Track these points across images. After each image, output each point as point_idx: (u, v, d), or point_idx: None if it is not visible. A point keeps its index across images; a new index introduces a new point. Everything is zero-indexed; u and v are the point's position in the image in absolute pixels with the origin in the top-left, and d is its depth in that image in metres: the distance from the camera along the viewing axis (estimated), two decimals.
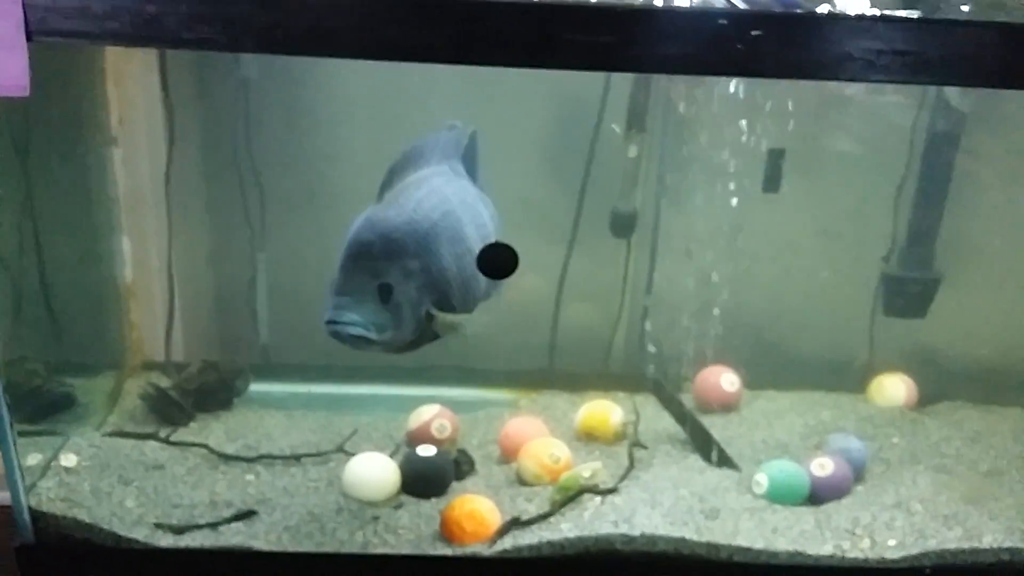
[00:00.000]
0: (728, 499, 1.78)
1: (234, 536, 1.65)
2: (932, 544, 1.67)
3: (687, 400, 2.08)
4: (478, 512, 1.68)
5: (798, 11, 1.39)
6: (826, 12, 1.40)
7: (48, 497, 1.69)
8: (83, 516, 1.65)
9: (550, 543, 1.64)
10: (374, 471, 1.79)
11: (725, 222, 2.04)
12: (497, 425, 2.03)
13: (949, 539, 1.69)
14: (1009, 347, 2.23)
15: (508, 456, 1.93)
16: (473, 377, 2.24)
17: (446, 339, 1.55)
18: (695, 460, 1.93)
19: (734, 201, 2.02)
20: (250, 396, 2.12)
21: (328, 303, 1.42)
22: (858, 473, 1.87)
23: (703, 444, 1.95)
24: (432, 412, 1.98)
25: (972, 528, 1.71)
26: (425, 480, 1.80)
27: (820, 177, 2.12)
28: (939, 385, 2.19)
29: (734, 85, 1.95)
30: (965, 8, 1.52)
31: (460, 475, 1.86)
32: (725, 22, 1.31)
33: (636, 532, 1.65)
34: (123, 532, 1.63)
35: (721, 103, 1.98)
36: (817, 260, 2.17)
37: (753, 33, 1.32)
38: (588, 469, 1.79)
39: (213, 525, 1.67)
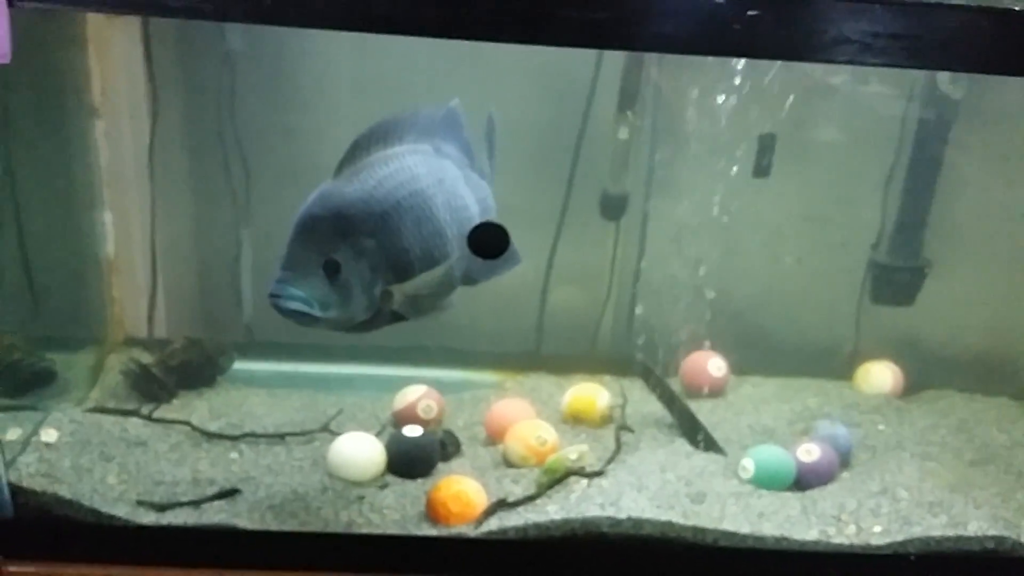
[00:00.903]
0: (714, 483, 1.77)
1: (217, 514, 1.63)
2: (917, 531, 1.67)
3: (674, 384, 2.07)
4: (464, 493, 1.66)
5: None
6: None
7: (28, 472, 1.66)
8: (64, 492, 1.62)
9: (536, 525, 1.63)
10: (359, 451, 1.77)
11: (714, 207, 2.03)
12: (483, 407, 2.02)
13: (934, 526, 1.68)
14: (996, 336, 2.24)
15: (494, 438, 1.92)
16: (460, 358, 2.23)
17: (416, 321, 1.53)
18: (682, 444, 1.93)
19: (724, 186, 2.01)
20: (234, 374, 2.10)
21: (274, 276, 1.40)
22: (844, 460, 1.87)
23: (690, 428, 1.95)
24: (418, 393, 1.97)
25: (957, 515, 1.71)
26: (411, 460, 1.79)
27: (810, 164, 2.11)
28: (925, 373, 2.20)
29: (727, 70, 1.95)
30: None
31: (446, 456, 1.85)
32: (722, 1, 1.30)
33: (622, 515, 1.64)
34: (104, 509, 1.61)
35: (713, 87, 1.97)
36: (806, 247, 2.17)
37: (750, 13, 1.30)
38: (575, 452, 1.78)
39: (196, 503, 1.65)
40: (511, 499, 1.69)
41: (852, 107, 2.08)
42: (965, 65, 1.54)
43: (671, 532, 1.64)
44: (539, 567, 1.64)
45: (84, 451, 1.75)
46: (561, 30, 1.30)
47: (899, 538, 1.66)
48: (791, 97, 1.98)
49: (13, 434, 1.73)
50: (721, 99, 1.96)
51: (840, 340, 2.22)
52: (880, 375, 2.17)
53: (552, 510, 1.66)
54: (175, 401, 1.98)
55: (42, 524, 1.61)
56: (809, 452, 1.82)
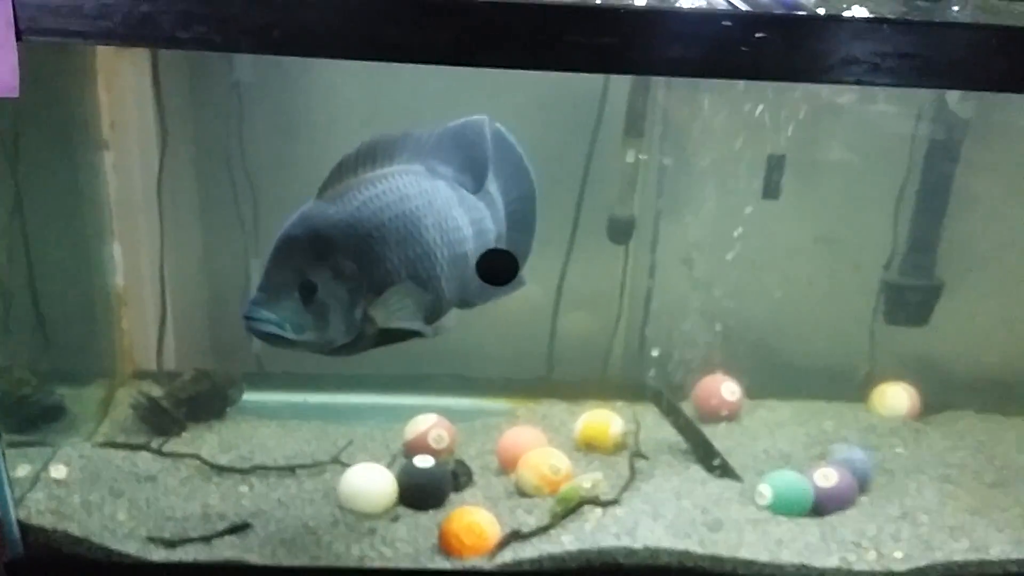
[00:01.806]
0: (731, 510, 1.75)
1: (228, 549, 1.62)
2: (939, 556, 1.65)
3: (687, 409, 2.06)
4: (477, 525, 1.65)
5: (802, 13, 1.37)
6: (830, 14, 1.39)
7: (37, 510, 1.65)
8: (73, 529, 1.61)
9: (551, 556, 1.61)
10: (370, 482, 1.76)
11: (725, 229, 2.02)
12: (495, 435, 2.00)
13: (956, 551, 1.66)
14: (1012, 356, 2.21)
15: (506, 467, 1.90)
16: (471, 386, 2.22)
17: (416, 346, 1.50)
18: (697, 470, 1.91)
19: (734, 208, 2.00)
20: (244, 406, 2.09)
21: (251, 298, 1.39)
22: (862, 484, 1.85)
23: (704, 454, 1.93)
24: (429, 422, 1.95)
25: (979, 540, 1.69)
26: (422, 491, 1.77)
27: (821, 184, 2.10)
28: (942, 394, 2.17)
29: (735, 91, 1.94)
30: (955, 8, 1.51)
31: (458, 486, 1.83)
32: (729, 24, 1.29)
33: (638, 545, 1.63)
34: (114, 546, 1.60)
35: (722, 109, 1.97)
36: (818, 268, 2.15)
37: (757, 35, 1.30)
38: (588, 480, 1.76)
39: (206, 538, 1.63)
40: (525, 530, 1.67)
41: (862, 127, 2.07)
42: (974, 84, 1.52)
43: (688, 561, 1.62)
44: None
45: (94, 487, 1.74)
46: (568, 55, 1.30)
47: (921, 563, 1.64)
48: (800, 117, 1.97)
49: (23, 470, 1.72)
50: (730, 121, 1.96)
51: (855, 362, 2.20)
52: (896, 397, 2.14)
53: (567, 540, 1.64)
54: (185, 434, 1.97)
55: (52, 562, 1.60)
56: (827, 477, 1.79)
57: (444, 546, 1.64)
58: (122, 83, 1.99)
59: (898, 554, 1.66)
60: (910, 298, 2.12)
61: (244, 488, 1.80)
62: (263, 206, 2.10)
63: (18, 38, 1.21)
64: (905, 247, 2.13)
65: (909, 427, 2.10)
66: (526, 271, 1.61)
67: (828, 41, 1.32)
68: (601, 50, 1.29)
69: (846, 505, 1.79)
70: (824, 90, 1.98)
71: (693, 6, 1.39)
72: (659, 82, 2.06)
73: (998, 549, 1.66)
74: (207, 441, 1.95)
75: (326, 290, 1.38)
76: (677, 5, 1.40)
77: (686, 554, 1.62)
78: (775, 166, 2.00)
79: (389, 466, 1.84)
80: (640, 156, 2.11)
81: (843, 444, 1.95)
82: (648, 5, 1.38)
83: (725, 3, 1.37)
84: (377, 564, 1.62)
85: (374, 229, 1.41)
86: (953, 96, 2.01)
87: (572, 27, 1.28)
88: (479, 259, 1.51)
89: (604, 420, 2.00)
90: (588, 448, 1.98)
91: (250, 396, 2.10)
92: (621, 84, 2.05)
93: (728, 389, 2.10)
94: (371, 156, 1.45)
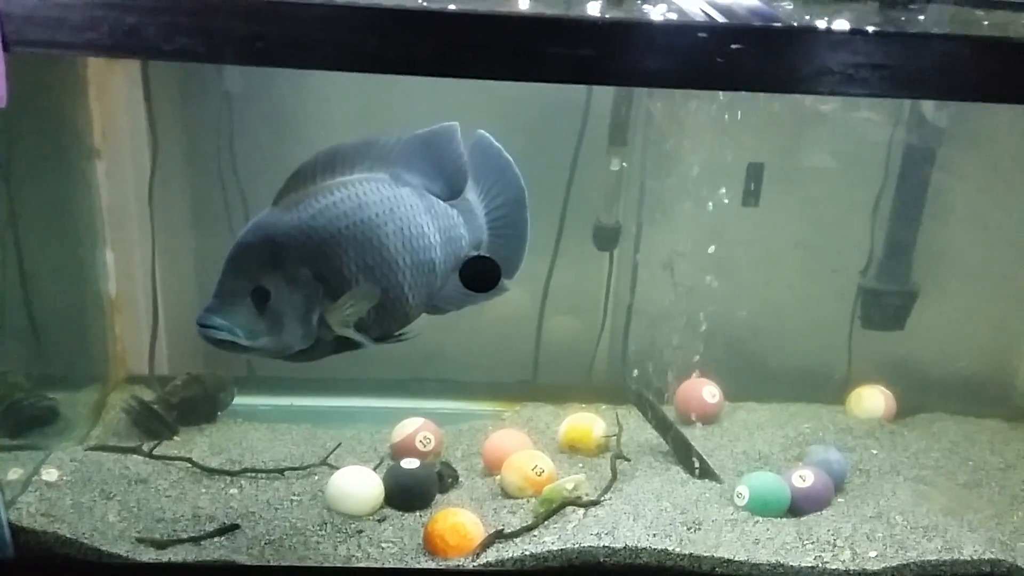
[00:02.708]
0: (710, 511, 1.79)
1: (217, 550, 1.64)
2: (912, 556, 1.68)
3: (669, 412, 2.09)
4: (461, 525, 1.67)
5: (777, 25, 1.40)
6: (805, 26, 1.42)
7: (29, 512, 1.68)
8: (64, 531, 1.64)
9: (533, 556, 1.64)
10: (357, 485, 1.79)
11: (706, 236, 2.06)
12: (481, 438, 2.03)
13: (929, 551, 1.69)
14: (986, 358, 2.25)
15: (492, 469, 1.93)
16: (458, 390, 2.25)
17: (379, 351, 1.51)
18: (677, 472, 1.94)
19: (714, 215, 2.03)
20: (234, 409, 2.12)
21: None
22: (838, 485, 1.88)
23: (685, 456, 1.96)
24: (416, 425, 1.99)
25: (952, 540, 1.72)
26: (408, 493, 1.80)
27: (799, 191, 2.14)
28: (917, 397, 2.21)
29: (715, 100, 1.98)
30: (921, 18, 1.54)
31: (444, 488, 1.87)
32: (705, 36, 1.32)
33: (619, 544, 1.65)
34: (105, 547, 1.62)
35: (701, 118, 2.01)
36: (797, 273, 2.19)
37: (733, 47, 1.33)
38: (571, 481, 1.79)
39: (196, 539, 1.66)
40: (508, 530, 1.70)
41: (839, 135, 2.11)
42: (946, 93, 1.56)
43: (667, 561, 1.65)
44: None
45: (85, 489, 1.77)
46: (549, 67, 1.33)
47: (895, 563, 1.67)
48: (779, 126, 2.01)
49: (14, 474, 1.75)
50: (709, 129, 1.99)
51: (832, 365, 2.24)
52: (872, 399, 2.18)
53: (549, 540, 1.67)
54: (176, 438, 2.00)
55: (43, 564, 1.62)
56: (803, 478, 1.83)
57: (429, 546, 1.67)
58: (114, 93, 2.02)
59: (872, 553, 1.68)
60: (886, 303, 2.16)
61: (234, 490, 1.83)
62: (253, 213, 2.11)
63: (5, 49, 1.23)
64: (882, 253, 2.17)
65: (885, 429, 2.13)
66: (518, 277, 1.64)
67: (802, 52, 1.35)
68: (580, 61, 1.32)
69: (822, 505, 1.82)
70: (803, 98, 2.02)
71: (670, 18, 1.42)
72: (642, 91, 2.10)
73: (971, 549, 1.69)
74: (198, 444, 1.98)
75: (280, 297, 1.40)
76: (654, 17, 1.43)
77: (665, 553, 1.65)
78: (754, 174, 2.04)
79: (377, 468, 1.87)
80: (623, 164, 2.14)
81: (820, 446, 1.98)
82: (626, 17, 1.41)
83: (702, 14, 1.40)
84: (363, 564, 1.64)
85: (330, 236, 1.42)
86: (928, 104, 2.04)
87: (551, 39, 1.30)
88: (462, 266, 1.53)
89: (587, 423, 2.04)
90: (572, 450, 2.02)
91: (241, 400, 2.14)
92: (605, 94, 2.09)
93: (709, 392, 2.14)
94: (330, 164, 1.45)
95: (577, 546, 1.65)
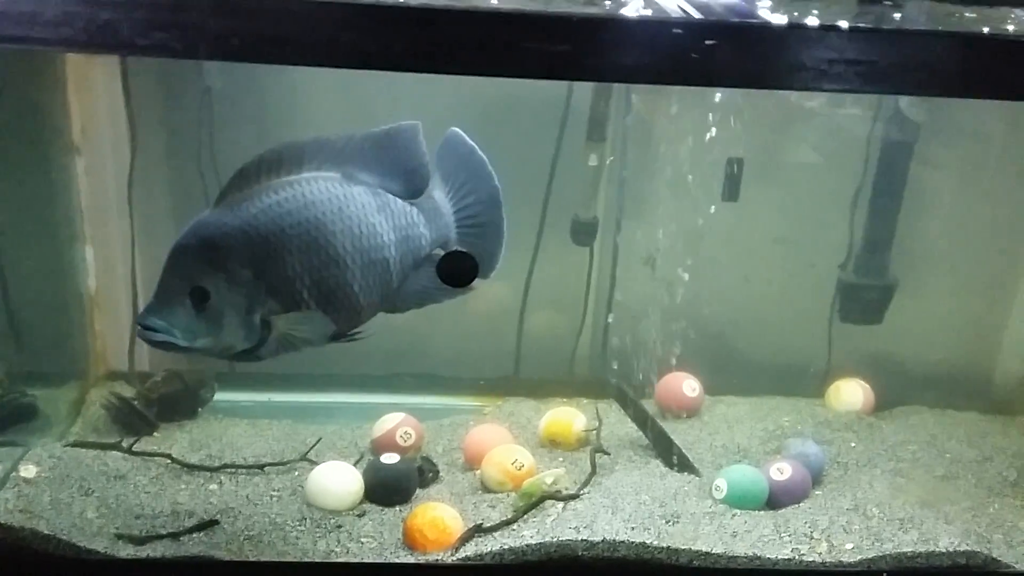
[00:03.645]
0: (688, 504, 1.79)
1: (196, 546, 1.64)
2: (889, 548, 1.69)
3: (649, 406, 2.10)
4: (440, 520, 1.68)
5: (752, 21, 1.41)
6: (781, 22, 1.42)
7: (7, 508, 1.67)
8: (42, 527, 1.63)
9: (512, 550, 1.64)
10: (337, 480, 1.79)
11: (685, 230, 2.06)
12: (463, 432, 2.04)
13: (905, 543, 1.70)
14: (964, 351, 2.27)
15: (472, 463, 1.94)
16: (440, 385, 2.26)
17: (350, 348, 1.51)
18: (657, 465, 1.95)
19: (694, 209, 2.04)
20: (215, 405, 2.12)
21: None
22: (816, 477, 1.90)
23: (665, 449, 1.97)
24: (396, 420, 1.99)
25: (928, 532, 1.73)
26: (388, 488, 1.80)
27: (778, 186, 2.15)
28: (896, 390, 2.23)
29: (695, 94, 1.98)
30: (897, 16, 1.55)
31: (425, 483, 1.87)
32: (680, 31, 1.33)
33: (597, 538, 1.66)
34: (83, 543, 1.62)
35: (681, 112, 2.01)
36: (776, 268, 2.20)
37: (707, 42, 1.33)
38: (550, 476, 1.80)
39: (175, 535, 1.66)
40: (487, 524, 1.70)
41: (819, 130, 2.12)
42: (922, 89, 1.55)
43: (645, 554, 1.66)
44: None
45: (64, 486, 1.76)
46: (524, 62, 1.33)
47: (871, 555, 1.68)
48: (759, 120, 2.02)
49: None
50: (689, 124, 2.00)
51: (812, 359, 2.25)
52: (851, 393, 2.20)
53: (528, 534, 1.68)
54: (157, 434, 2.00)
55: (20, 560, 1.62)
56: (781, 471, 1.84)
57: (408, 541, 1.67)
58: (92, 88, 2.01)
59: (849, 545, 1.70)
60: (865, 297, 2.17)
61: (213, 486, 1.83)
62: None
63: None
64: (860, 247, 2.18)
65: (863, 422, 2.15)
66: (499, 274, 1.63)
67: (777, 48, 1.35)
68: (555, 57, 1.32)
69: (800, 498, 1.83)
70: (782, 94, 2.03)
71: (645, 14, 1.43)
72: (621, 87, 2.10)
73: (947, 541, 1.70)
74: (178, 440, 1.98)
75: (220, 297, 1.40)
76: (629, 13, 1.43)
77: (643, 546, 1.65)
78: (734, 168, 2.05)
79: (357, 463, 1.87)
80: (611, 158, 2.15)
81: (797, 439, 1.99)
82: (601, 12, 1.41)
83: (679, 11, 1.41)
84: (343, 559, 1.64)
85: (272, 236, 1.41)
86: (905, 100, 2.06)
87: (527, 35, 1.31)
88: (439, 261, 1.53)
89: (567, 417, 2.04)
90: (552, 444, 2.03)
91: (222, 396, 2.13)
92: (584, 89, 2.10)
93: (689, 386, 2.15)
94: (276, 163, 1.44)
95: (555, 540, 1.65)
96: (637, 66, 1.35)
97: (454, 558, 1.65)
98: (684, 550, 1.66)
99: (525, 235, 2.19)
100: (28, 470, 1.79)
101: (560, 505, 1.76)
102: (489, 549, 1.65)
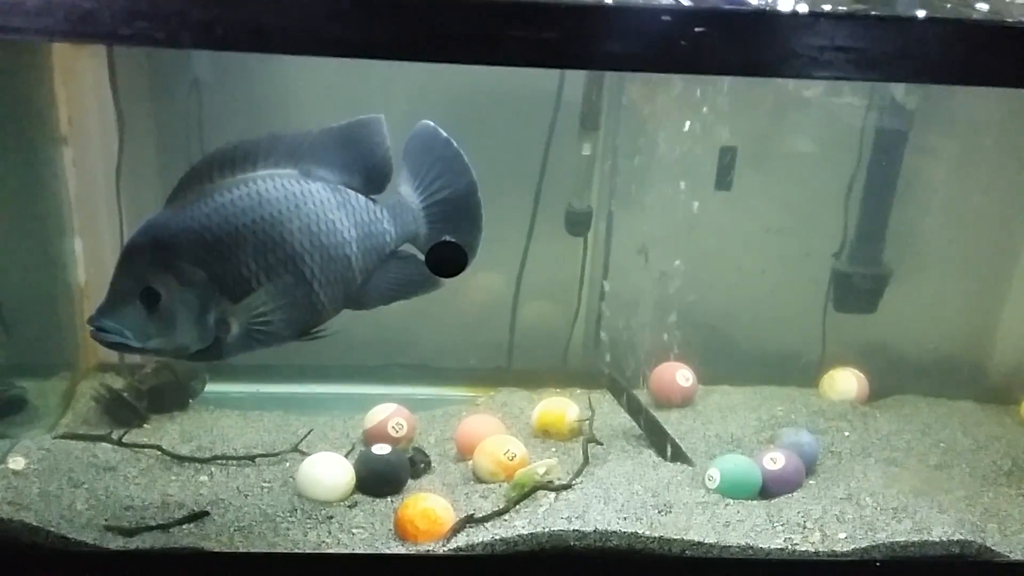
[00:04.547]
0: (681, 494, 1.79)
1: (186, 537, 1.64)
2: (882, 537, 1.68)
3: (643, 396, 2.09)
4: (431, 510, 1.67)
5: (742, 8, 1.39)
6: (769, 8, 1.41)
7: None
8: (30, 519, 1.62)
9: (503, 540, 1.64)
10: (328, 471, 1.78)
11: (679, 220, 2.05)
12: (455, 423, 2.03)
13: (899, 532, 1.70)
14: (958, 340, 2.26)
15: (464, 454, 1.93)
16: (432, 375, 2.25)
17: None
18: (650, 455, 1.95)
19: (687, 199, 2.03)
20: (206, 396, 2.12)
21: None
22: (809, 467, 1.89)
23: (658, 439, 1.96)
24: (388, 411, 1.98)
25: (921, 521, 1.72)
26: (379, 479, 1.80)
27: (772, 175, 2.14)
28: (890, 379, 2.22)
29: (687, 84, 1.97)
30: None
31: (416, 473, 1.86)
32: (669, 19, 1.31)
33: (589, 528, 1.65)
34: (72, 535, 1.61)
35: (674, 101, 2.00)
36: (770, 257, 2.19)
37: (697, 30, 1.32)
38: (543, 466, 1.79)
39: (164, 527, 1.65)
40: (479, 515, 1.70)
41: (812, 119, 2.11)
42: (913, 76, 1.55)
43: (637, 544, 1.65)
44: None
45: (52, 478, 1.76)
46: (511, 50, 1.31)
47: (864, 544, 1.67)
48: (751, 110, 2.01)
49: None
50: (682, 113, 1.99)
51: (806, 348, 2.24)
52: (845, 382, 2.19)
53: (519, 525, 1.67)
54: (147, 425, 1.99)
55: (8, 552, 1.61)
56: (774, 460, 1.83)
57: (399, 532, 1.67)
58: (79, 79, 2.00)
59: (842, 535, 1.69)
60: (859, 286, 2.16)
61: (204, 478, 1.83)
62: None
63: None
64: (854, 236, 2.17)
65: (857, 411, 2.14)
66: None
67: (767, 35, 1.34)
68: (542, 45, 1.31)
69: (793, 488, 1.83)
70: (776, 82, 2.02)
71: (634, 0, 1.41)
72: (614, 75, 2.09)
73: (940, 530, 1.69)
74: (169, 432, 1.97)
75: (171, 298, 1.39)
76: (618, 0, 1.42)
77: (635, 536, 1.65)
78: (727, 158, 2.04)
79: (348, 454, 1.86)
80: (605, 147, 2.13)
81: (791, 428, 1.99)
82: (589, 0, 1.40)
83: None
84: (333, 550, 1.64)
85: (225, 235, 1.40)
86: (899, 88, 2.04)
87: (513, 22, 1.29)
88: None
89: (560, 407, 2.04)
90: (545, 435, 2.02)
91: (213, 387, 2.13)
92: (577, 77, 2.08)
93: (682, 376, 2.15)
94: (229, 162, 1.43)
95: (547, 530, 1.65)
96: (625, 54, 1.34)
97: (445, 549, 1.64)
98: (676, 540, 1.65)
99: (518, 225, 2.18)
100: (17, 462, 1.78)
101: (552, 495, 1.76)
102: (481, 540, 1.64)
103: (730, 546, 1.66)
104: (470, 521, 1.68)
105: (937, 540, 1.68)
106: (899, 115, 2.05)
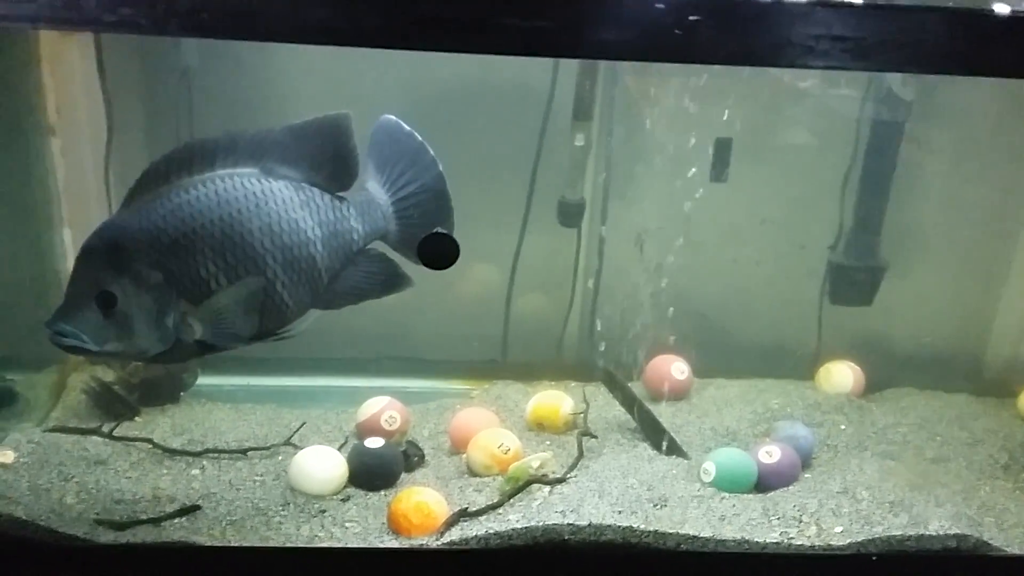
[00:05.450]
0: (676, 487, 1.78)
1: (177, 531, 1.62)
2: (878, 531, 1.67)
3: (638, 389, 2.08)
4: (425, 504, 1.66)
5: None
6: None
7: None
8: (20, 513, 1.61)
9: (497, 534, 1.62)
10: (321, 464, 1.77)
11: (674, 212, 2.04)
12: (449, 416, 2.02)
13: (895, 526, 1.69)
14: (955, 333, 2.25)
15: (459, 447, 1.92)
16: (426, 368, 2.24)
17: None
18: (645, 449, 1.94)
19: (682, 191, 2.02)
20: (198, 389, 2.10)
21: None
22: (805, 460, 1.88)
23: (653, 433, 1.95)
24: (381, 404, 1.97)
25: (918, 514, 1.71)
26: (372, 472, 1.79)
27: (768, 167, 2.13)
28: (886, 372, 2.21)
29: (682, 74, 1.96)
30: None
31: (410, 467, 1.85)
32: (662, 7, 1.30)
33: (584, 522, 1.64)
34: (62, 529, 1.60)
35: (670, 92, 1.98)
36: (766, 250, 2.18)
37: (691, 18, 1.31)
38: (537, 459, 1.78)
39: (155, 520, 1.64)
40: (473, 509, 1.68)
41: (809, 110, 2.10)
42: (908, 65, 1.53)
43: (632, 538, 1.64)
44: None
45: (42, 471, 1.74)
46: (503, 39, 1.30)
47: (860, 538, 1.66)
48: (747, 101, 1.99)
49: None
50: (677, 104, 1.97)
51: (802, 341, 2.24)
52: (841, 375, 2.18)
53: (514, 518, 1.66)
54: (139, 418, 1.98)
55: None
56: (770, 454, 1.82)
57: (393, 526, 1.66)
58: (67, 68, 1.98)
59: (838, 529, 1.68)
60: (855, 278, 2.15)
61: (196, 471, 1.81)
62: None
63: None
64: (850, 228, 2.16)
65: (853, 404, 2.13)
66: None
67: (762, 24, 1.33)
68: (534, 33, 1.30)
69: (789, 481, 1.82)
70: (772, 73, 2.00)
71: None
72: (607, 64, 2.07)
73: (937, 524, 1.68)
74: (160, 425, 1.95)
75: (128, 301, 1.38)
76: None
77: (630, 530, 1.64)
78: (722, 149, 2.02)
79: (341, 448, 1.85)
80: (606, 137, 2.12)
81: (787, 421, 1.98)
82: None
83: None
84: (326, 544, 1.63)
85: (182, 237, 1.39)
86: (896, 78, 2.03)
87: (506, 10, 1.28)
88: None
89: (554, 400, 2.03)
90: (539, 428, 2.01)
91: (205, 380, 2.11)
92: (570, 67, 2.06)
93: (678, 369, 2.14)
94: (186, 161, 1.41)
95: (542, 524, 1.63)
96: (618, 43, 1.33)
97: (439, 542, 1.63)
98: (672, 534, 1.64)
99: (511, 217, 2.16)
100: (6, 455, 1.77)
101: (547, 489, 1.74)
102: (475, 533, 1.63)
103: (726, 540, 1.64)
104: (464, 515, 1.67)
105: (934, 534, 1.67)
106: (896, 106, 2.04)
